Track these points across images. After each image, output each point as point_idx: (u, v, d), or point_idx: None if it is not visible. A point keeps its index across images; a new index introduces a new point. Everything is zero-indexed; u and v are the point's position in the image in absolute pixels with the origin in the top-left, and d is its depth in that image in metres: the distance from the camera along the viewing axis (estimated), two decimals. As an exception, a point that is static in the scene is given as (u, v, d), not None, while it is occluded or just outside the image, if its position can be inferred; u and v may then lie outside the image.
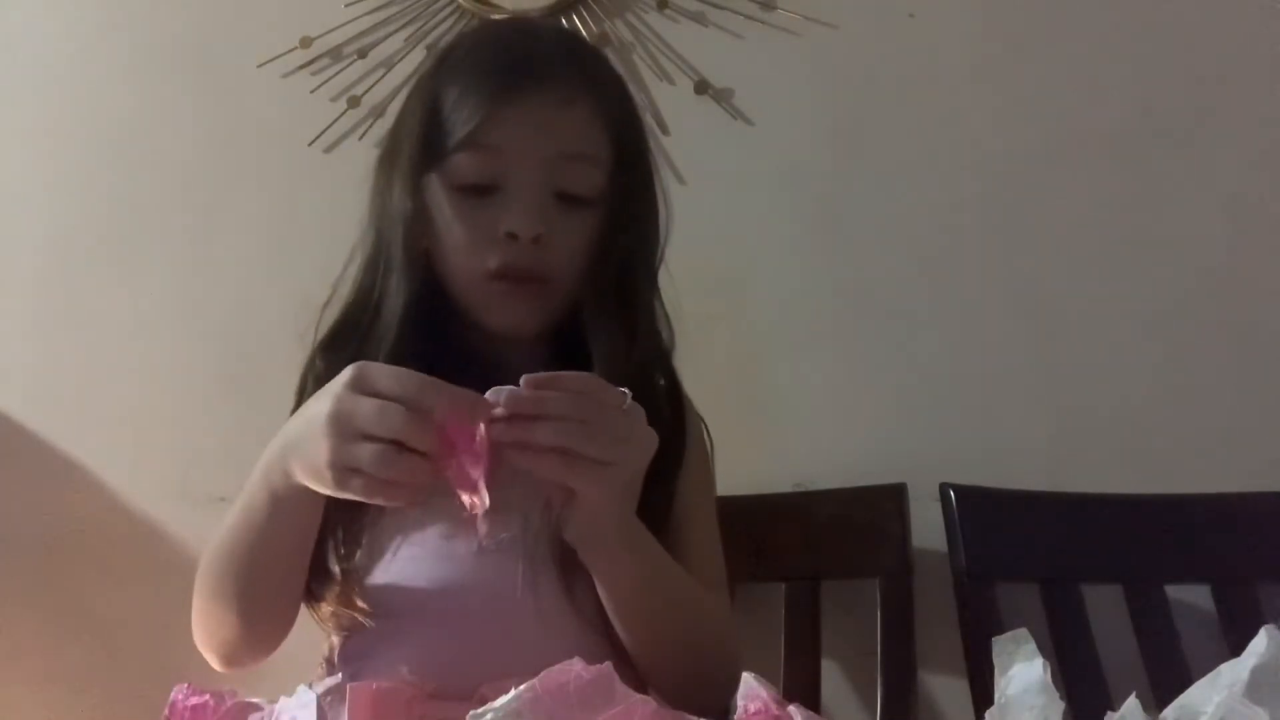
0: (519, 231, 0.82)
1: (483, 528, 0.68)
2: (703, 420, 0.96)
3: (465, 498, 0.66)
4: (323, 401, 0.68)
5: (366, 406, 0.66)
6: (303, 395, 0.88)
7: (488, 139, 0.83)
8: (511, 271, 0.83)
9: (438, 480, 0.67)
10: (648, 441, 0.73)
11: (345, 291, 0.91)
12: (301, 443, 0.70)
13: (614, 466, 0.71)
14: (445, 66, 0.88)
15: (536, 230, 0.82)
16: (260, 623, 0.83)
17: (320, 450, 0.67)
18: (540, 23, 0.93)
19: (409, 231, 0.86)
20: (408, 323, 0.84)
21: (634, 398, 0.73)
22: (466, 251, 0.84)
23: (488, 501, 0.65)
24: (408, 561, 0.82)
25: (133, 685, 1.27)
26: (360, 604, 0.80)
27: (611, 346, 0.85)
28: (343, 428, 0.66)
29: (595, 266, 0.86)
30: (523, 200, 0.83)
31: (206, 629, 0.85)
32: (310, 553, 0.80)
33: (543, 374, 0.69)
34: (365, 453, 0.66)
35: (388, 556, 0.82)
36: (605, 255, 0.86)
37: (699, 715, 0.63)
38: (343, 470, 0.67)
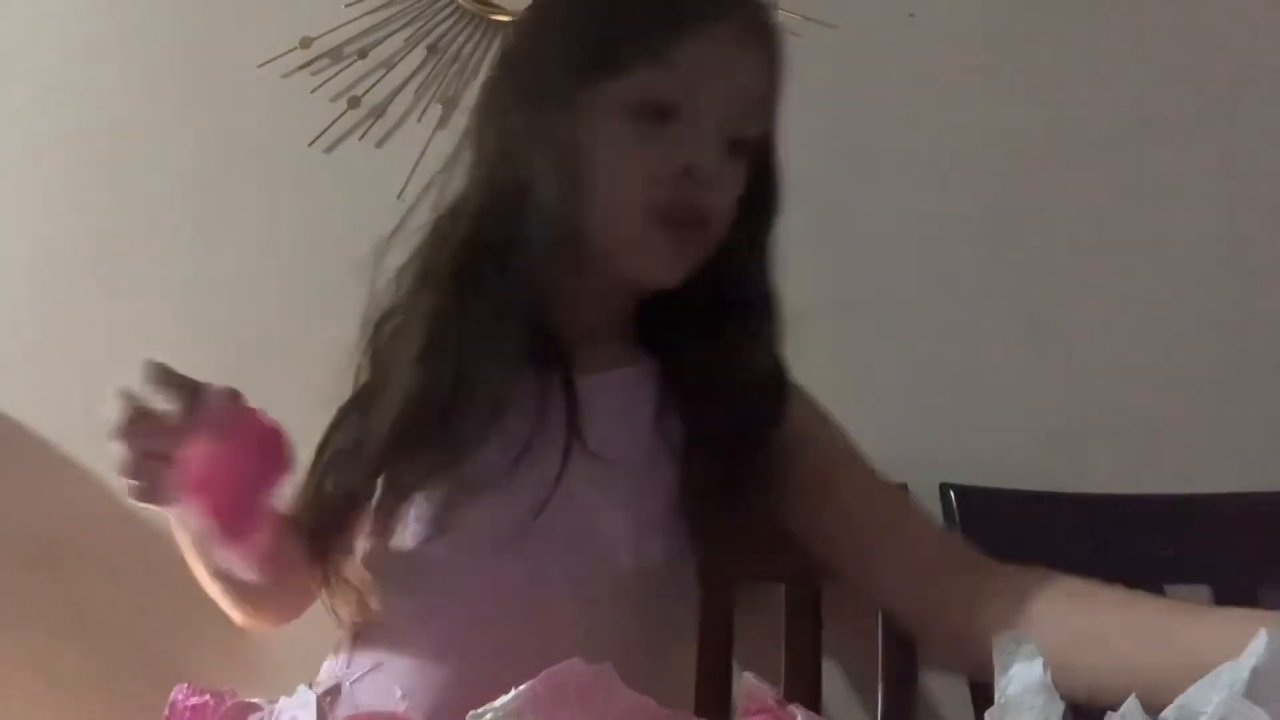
0: (701, 164, 0.74)
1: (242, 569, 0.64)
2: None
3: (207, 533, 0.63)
4: None
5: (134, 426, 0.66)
6: (376, 343, 0.81)
7: (678, 59, 0.74)
8: (677, 210, 0.75)
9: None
10: None
11: (441, 226, 0.80)
12: None
13: None
14: None
15: (715, 168, 0.75)
16: (255, 618, 0.83)
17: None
18: None
19: (572, 157, 0.75)
20: (546, 270, 0.75)
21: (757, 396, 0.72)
22: (630, 183, 0.75)
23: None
24: (412, 574, 0.79)
25: (133, 685, 1.27)
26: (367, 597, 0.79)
27: (740, 324, 0.81)
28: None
29: (737, 226, 0.79)
30: (703, 136, 0.75)
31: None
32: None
33: None
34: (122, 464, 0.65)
35: (394, 564, 0.79)
36: (748, 216, 0.80)
37: None
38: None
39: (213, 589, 0.82)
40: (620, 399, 0.70)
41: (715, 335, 0.79)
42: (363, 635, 0.81)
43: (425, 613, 0.77)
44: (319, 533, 0.78)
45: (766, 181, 0.83)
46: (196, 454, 0.60)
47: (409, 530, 0.77)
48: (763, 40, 0.80)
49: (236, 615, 0.84)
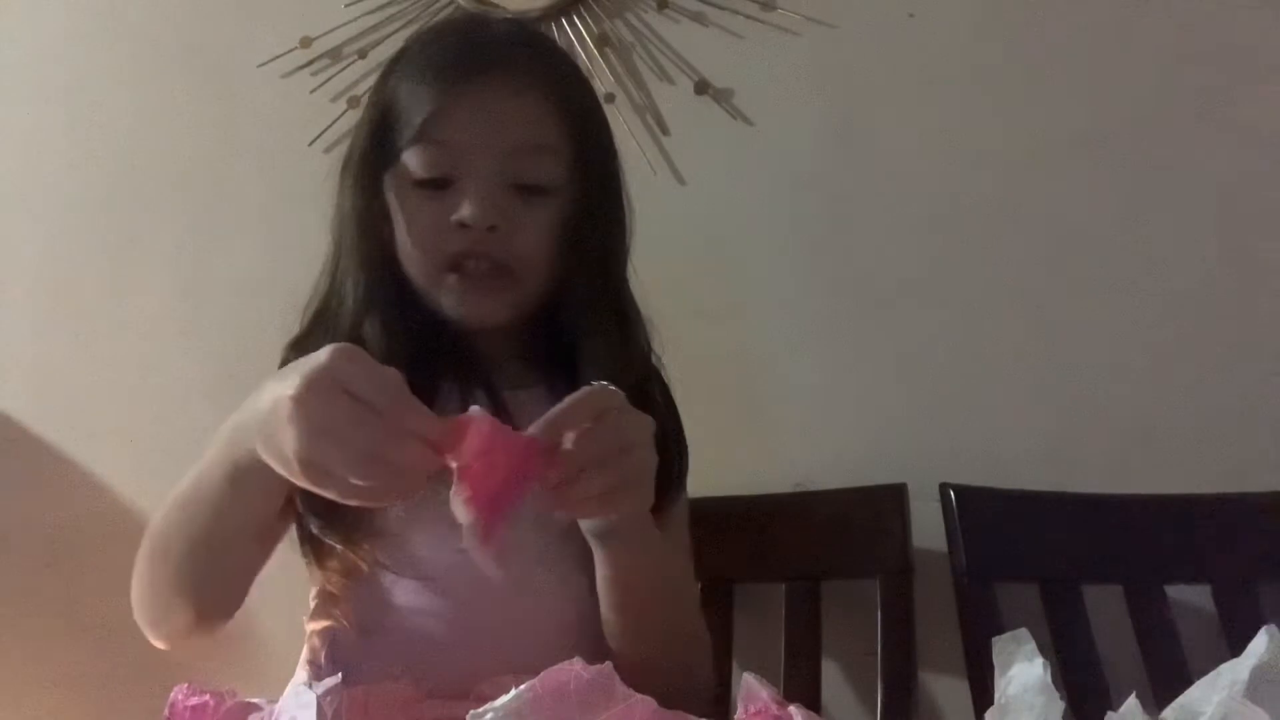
0: (471, 221, 0.81)
1: (488, 565, 0.62)
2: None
3: (467, 527, 0.61)
4: (289, 381, 0.61)
5: (340, 410, 0.59)
6: None
7: (439, 133, 0.82)
8: (469, 259, 0.83)
9: (427, 486, 0.62)
10: (651, 431, 0.72)
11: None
12: (267, 422, 0.63)
13: (645, 483, 0.70)
14: (398, 64, 0.88)
15: (490, 220, 0.81)
16: (209, 603, 0.80)
17: (286, 438, 0.60)
18: (492, 15, 0.90)
19: (362, 228, 0.86)
20: (362, 321, 0.84)
21: (633, 392, 0.72)
22: (424, 245, 0.84)
23: (497, 550, 0.61)
24: (396, 554, 0.81)
25: (132, 685, 1.26)
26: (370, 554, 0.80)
27: (605, 340, 0.85)
28: (312, 422, 0.59)
29: (570, 258, 0.85)
30: (475, 191, 0.82)
31: (147, 603, 0.81)
32: (271, 534, 0.79)
33: (555, 414, 0.66)
34: (338, 456, 0.59)
35: (377, 543, 0.82)
36: (579, 247, 0.85)
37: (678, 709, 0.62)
38: (314, 468, 0.60)
39: (162, 588, 0.80)
40: (529, 413, 0.72)
41: (588, 350, 0.86)
42: (358, 619, 0.83)
43: (416, 592, 0.81)
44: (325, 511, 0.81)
45: (592, 206, 0.86)
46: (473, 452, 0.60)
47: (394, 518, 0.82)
48: (543, 84, 0.85)
49: (156, 635, 0.82)
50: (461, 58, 0.84)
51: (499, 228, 0.82)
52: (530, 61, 0.86)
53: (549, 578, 0.83)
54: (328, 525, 0.79)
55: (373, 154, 0.86)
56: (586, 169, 0.86)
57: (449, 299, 0.85)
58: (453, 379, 0.83)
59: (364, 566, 0.81)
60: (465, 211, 0.81)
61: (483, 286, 0.84)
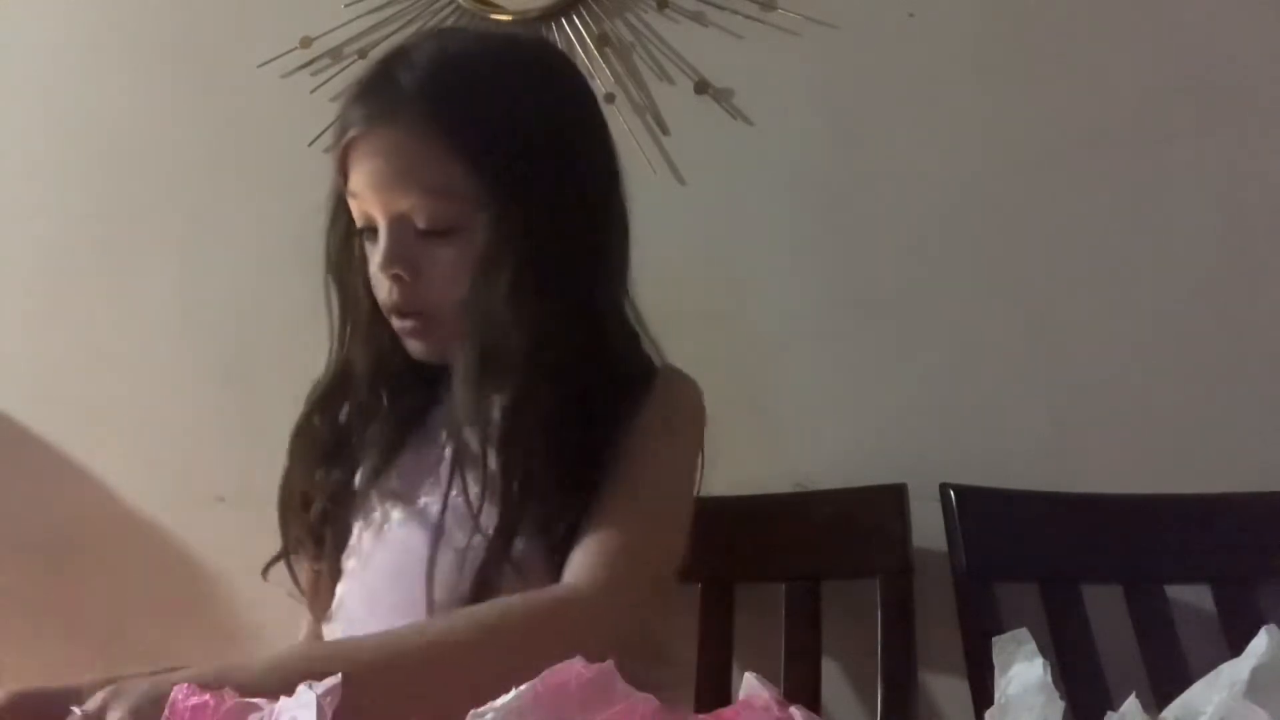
0: (379, 270, 0.84)
1: None
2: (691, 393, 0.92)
3: None
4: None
5: None
6: (295, 447, 0.92)
7: (351, 184, 0.85)
8: (393, 308, 0.86)
9: None
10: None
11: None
12: None
13: None
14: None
15: (393, 269, 0.83)
16: None
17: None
18: (414, 49, 0.86)
19: (342, 282, 0.90)
20: (379, 378, 0.90)
21: (518, 398, 0.79)
22: (373, 293, 0.88)
23: None
24: (363, 563, 0.86)
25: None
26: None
27: (467, 360, 0.83)
28: None
29: (480, 282, 0.83)
30: (382, 242, 0.84)
31: None
32: None
33: None
34: None
35: (346, 555, 0.88)
36: (493, 273, 0.83)
37: None
38: None
39: None
40: None
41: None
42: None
43: (375, 614, 0.83)
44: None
45: (514, 231, 0.83)
46: None
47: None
48: (440, 122, 0.82)
49: None
50: (355, 105, 0.85)
51: (403, 276, 0.84)
52: (430, 101, 0.83)
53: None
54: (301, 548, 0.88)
55: (334, 208, 0.90)
56: (505, 198, 0.82)
57: (402, 340, 0.88)
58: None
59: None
60: (373, 261, 0.85)
61: (408, 329, 0.87)
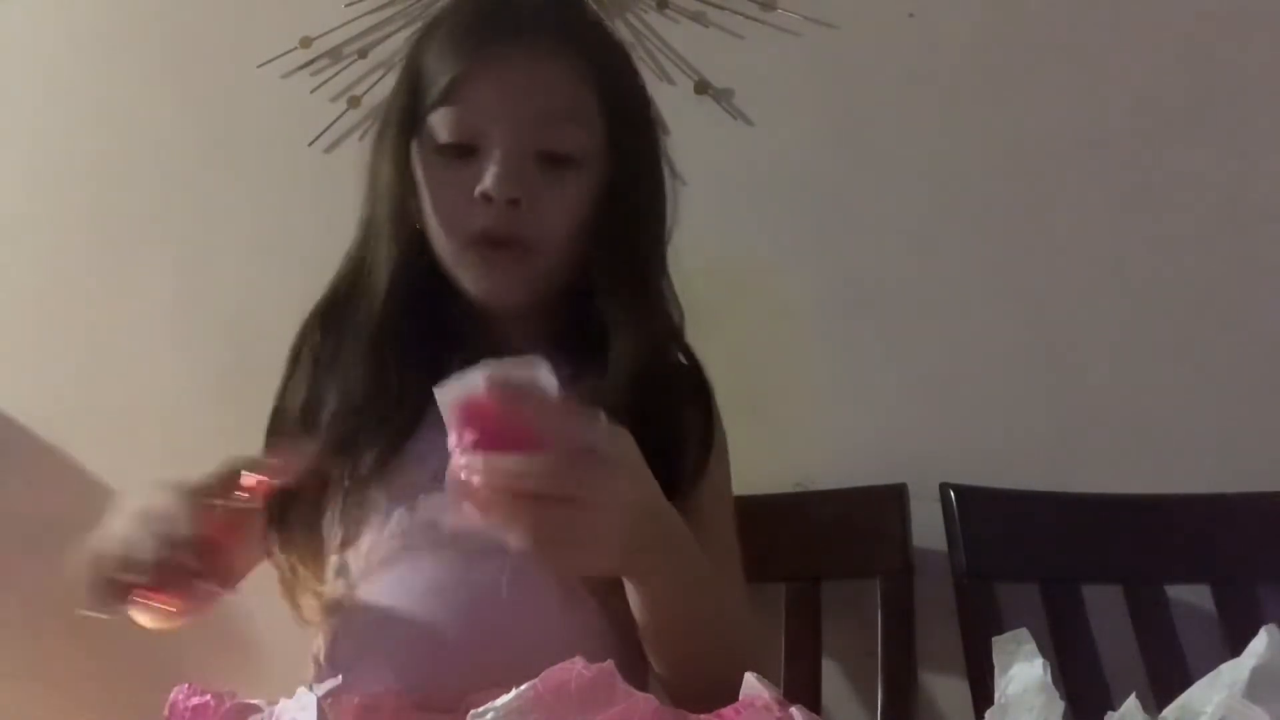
0: (492, 193, 0.79)
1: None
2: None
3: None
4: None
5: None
6: (296, 364, 0.89)
7: (462, 96, 0.81)
8: (489, 236, 0.81)
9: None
10: (623, 499, 0.65)
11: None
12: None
13: (590, 548, 0.65)
14: (428, 30, 0.87)
15: (512, 193, 0.79)
16: None
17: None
18: None
19: (394, 199, 0.85)
20: (394, 297, 0.83)
21: (656, 383, 0.73)
22: (446, 216, 0.82)
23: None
24: (388, 563, 0.81)
25: (132, 685, 1.26)
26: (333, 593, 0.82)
27: (630, 325, 0.82)
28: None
29: (599, 234, 0.83)
30: (498, 161, 0.80)
31: None
32: None
33: (550, 413, 0.62)
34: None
35: (367, 557, 0.82)
36: (608, 222, 0.83)
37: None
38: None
39: None
40: None
41: (617, 336, 0.83)
42: (339, 641, 0.83)
43: (406, 599, 0.80)
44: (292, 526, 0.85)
45: (624, 182, 0.84)
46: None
47: (386, 525, 0.82)
48: (573, 50, 0.83)
49: None
50: (489, 21, 0.83)
51: (521, 201, 0.80)
52: (562, 28, 0.84)
53: (548, 589, 0.80)
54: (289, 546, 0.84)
55: (401, 119, 0.84)
56: (619, 142, 0.84)
57: (469, 275, 0.83)
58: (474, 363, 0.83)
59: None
60: (487, 182, 0.79)
61: (499, 260, 0.81)
